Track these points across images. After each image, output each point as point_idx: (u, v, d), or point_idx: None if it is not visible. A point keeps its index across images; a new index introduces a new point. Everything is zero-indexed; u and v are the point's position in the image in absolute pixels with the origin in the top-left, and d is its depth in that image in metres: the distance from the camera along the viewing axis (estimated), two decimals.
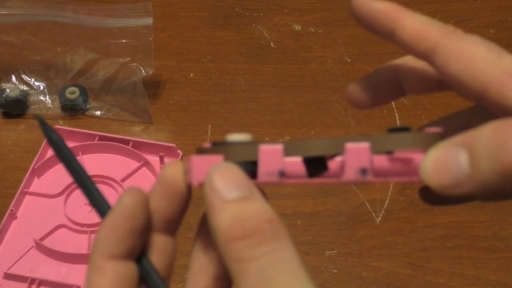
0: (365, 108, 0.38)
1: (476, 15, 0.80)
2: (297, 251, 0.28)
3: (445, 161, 0.29)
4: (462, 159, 0.28)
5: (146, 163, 0.62)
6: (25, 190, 0.60)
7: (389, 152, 0.30)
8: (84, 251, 0.56)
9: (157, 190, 0.32)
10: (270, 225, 0.27)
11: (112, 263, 0.30)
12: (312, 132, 0.67)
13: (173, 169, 0.32)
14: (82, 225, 0.58)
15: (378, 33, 0.34)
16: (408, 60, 0.36)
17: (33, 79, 0.69)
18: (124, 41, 0.69)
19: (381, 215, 0.61)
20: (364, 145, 0.29)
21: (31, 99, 0.68)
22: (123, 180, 0.61)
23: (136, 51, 0.69)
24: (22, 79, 0.69)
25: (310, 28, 0.78)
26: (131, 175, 0.62)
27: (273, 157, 0.30)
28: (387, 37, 0.34)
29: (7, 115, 0.67)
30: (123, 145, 0.63)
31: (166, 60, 0.73)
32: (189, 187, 0.32)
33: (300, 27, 0.78)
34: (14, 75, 0.69)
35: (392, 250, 0.58)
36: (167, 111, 0.69)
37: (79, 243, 0.57)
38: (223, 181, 0.29)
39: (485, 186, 0.28)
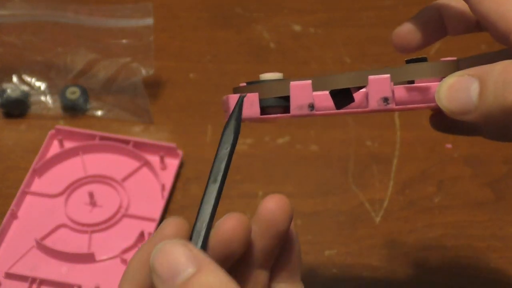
0: (411, 50, 0.40)
1: None
2: None
3: (458, 89, 0.31)
4: (473, 89, 0.30)
5: (146, 163, 0.63)
6: (26, 190, 0.60)
7: (408, 82, 0.33)
8: (85, 250, 0.56)
9: (255, 227, 0.32)
10: None
11: None
12: (312, 132, 0.67)
13: (275, 204, 0.32)
14: (83, 224, 0.58)
15: None
16: (451, 0, 0.38)
17: (34, 80, 0.70)
18: (124, 41, 0.69)
19: (380, 214, 0.61)
20: (385, 76, 0.32)
21: (32, 99, 0.68)
22: (123, 180, 0.61)
23: (136, 51, 0.69)
24: (23, 79, 0.69)
25: (310, 29, 0.78)
26: (131, 175, 0.62)
27: (303, 91, 0.32)
28: None
29: (8, 115, 0.68)
30: (123, 145, 0.63)
31: (167, 60, 0.74)
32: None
33: (299, 27, 0.78)
34: (15, 76, 0.69)
35: (391, 249, 0.59)
36: (168, 111, 0.69)
37: (80, 243, 0.57)
38: (165, 266, 0.27)
39: (488, 117, 0.30)
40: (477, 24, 0.38)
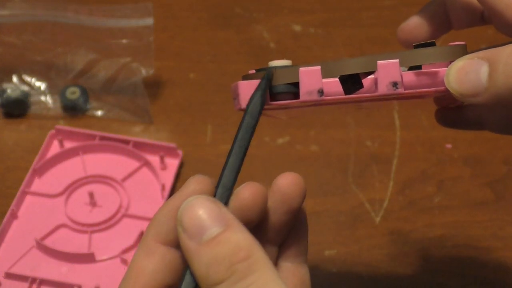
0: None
1: None
2: (274, 273, 0.27)
3: (467, 71, 0.31)
4: (483, 71, 0.31)
5: (146, 163, 0.63)
6: (26, 190, 0.60)
7: (417, 66, 0.33)
8: (85, 250, 0.56)
9: (269, 202, 0.32)
10: (244, 262, 0.27)
11: (163, 248, 0.30)
12: (312, 132, 0.67)
13: (290, 180, 0.32)
14: (83, 224, 0.58)
15: None
16: None
17: (34, 79, 0.70)
18: (124, 41, 0.69)
19: (380, 214, 0.61)
20: (394, 61, 0.32)
21: (32, 99, 0.68)
22: (123, 180, 0.61)
23: (136, 51, 0.69)
24: (23, 79, 0.69)
25: (310, 29, 0.78)
26: (131, 175, 0.62)
27: (312, 77, 0.32)
28: None
29: (8, 115, 0.68)
30: (123, 145, 0.63)
31: (167, 60, 0.74)
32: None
33: (299, 27, 0.78)
34: (15, 76, 0.69)
35: (391, 249, 0.59)
36: (167, 111, 0.69)
37: (79, 243, 0.57)
38: (194, 222, 0.28)
39: (498, 99, 0.31)
40: (482, 17, 0.38)
